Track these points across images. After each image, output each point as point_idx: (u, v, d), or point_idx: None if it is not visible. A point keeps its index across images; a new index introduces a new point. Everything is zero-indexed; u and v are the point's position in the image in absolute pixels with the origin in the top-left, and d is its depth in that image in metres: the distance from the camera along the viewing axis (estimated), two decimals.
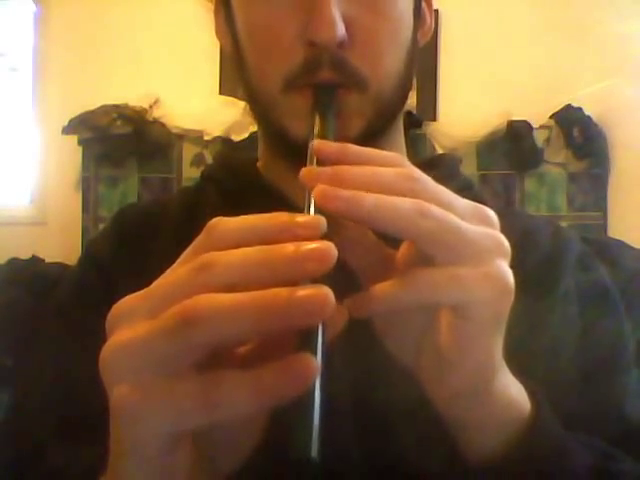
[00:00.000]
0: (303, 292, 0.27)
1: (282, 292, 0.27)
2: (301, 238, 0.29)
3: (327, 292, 0.27)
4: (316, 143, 0.36)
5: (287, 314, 0.27)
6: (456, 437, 0.40)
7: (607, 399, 0.52)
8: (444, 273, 0.32)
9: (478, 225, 0.34)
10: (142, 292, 0.30)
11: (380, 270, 0.35)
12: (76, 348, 0.50)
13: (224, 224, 0.30)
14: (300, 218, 0.30)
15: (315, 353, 0.28)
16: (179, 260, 0.31)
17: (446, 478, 0.41)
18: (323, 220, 0.30)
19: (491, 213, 0.35)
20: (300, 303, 0.26)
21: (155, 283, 0.30)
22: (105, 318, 0.31)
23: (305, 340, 0.28)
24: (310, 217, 0.30)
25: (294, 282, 0.28)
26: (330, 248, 0.28)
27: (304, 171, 0.34)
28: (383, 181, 0.33)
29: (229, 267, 0.28)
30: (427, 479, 0.44)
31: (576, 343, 0.53)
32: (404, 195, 0.32)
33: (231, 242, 0.29)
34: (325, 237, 0.29)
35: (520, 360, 0.39)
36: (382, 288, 0.34)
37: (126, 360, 0.29)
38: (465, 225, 0.33)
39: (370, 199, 0.32)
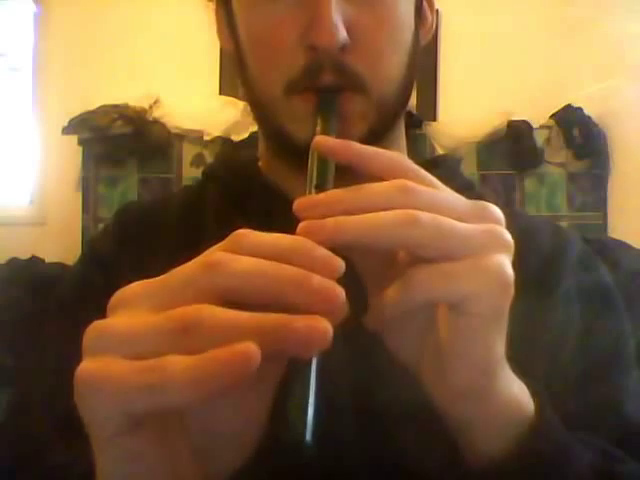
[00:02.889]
0: (303, 323, 0.27)
1: (282, 319, 0.27)
2: (316, 271, 0.29)
3: (326, 327, 0.27)
4: (317, 138, 0.36)
5: (284, 342, 0.27)
6: (458, 437, 0.40)
7: (607, 399, 0.52)
8: (438, 270, 0.32)
9: (478, 223, 0.34)
10: (148, 281, 0.30)
11: (383, 268, 0.35)
12: (77, 345, 0.49)
13: (249, 235, 0.30)
14: (320, 252, 0.30)
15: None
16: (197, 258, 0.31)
17: (448, 478, 0.41)
18: (342, 264, 0.30)
19: (493, 208, 0.35)
20: (299, 334, 0.27)
21: (163, 275, 0.30)
22: (106, 315, 0.31)
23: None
24: (332, 257, 0.30)
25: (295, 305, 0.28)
26: (340, 294, 0.28)
27: (298, 202, 0.33)
28: (375, 200, 0.33)
29: (237, 271, 0.28)
30: (428, 479, 0.43)
31: (576, 343, 0.53)
32: (397, 208, 0.32)
33: (250, 251, 0.29)
34: None
35: (520, 360, 0.38)
36: (383, 298, 0.34)
37: (105, 339, 0.29)
38: (459, 225, 0.33)
39: (352, 222, 0.32)
